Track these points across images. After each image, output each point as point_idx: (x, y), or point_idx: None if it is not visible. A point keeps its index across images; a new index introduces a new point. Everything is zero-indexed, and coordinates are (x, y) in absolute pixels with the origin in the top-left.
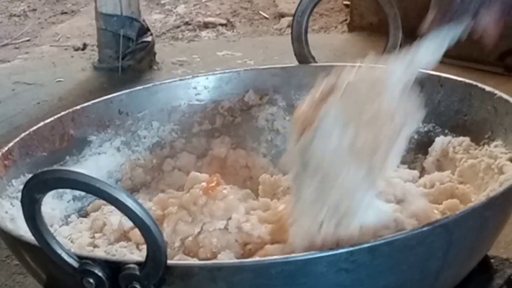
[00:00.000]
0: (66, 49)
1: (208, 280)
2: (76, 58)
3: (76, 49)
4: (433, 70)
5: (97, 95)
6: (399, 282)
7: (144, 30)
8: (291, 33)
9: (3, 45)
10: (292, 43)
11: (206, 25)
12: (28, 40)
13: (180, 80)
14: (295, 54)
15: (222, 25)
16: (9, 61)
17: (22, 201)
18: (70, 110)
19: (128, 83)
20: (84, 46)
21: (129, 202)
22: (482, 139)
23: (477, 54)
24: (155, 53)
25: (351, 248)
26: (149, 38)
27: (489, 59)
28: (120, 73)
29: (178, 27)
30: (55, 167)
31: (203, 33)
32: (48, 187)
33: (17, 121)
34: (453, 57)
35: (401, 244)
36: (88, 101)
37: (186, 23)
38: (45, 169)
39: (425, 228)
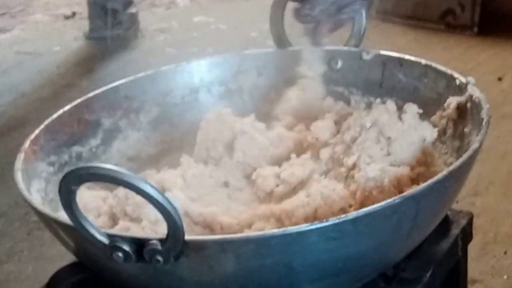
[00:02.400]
0: (57, 17)
1: (219, 251)
2: (68, 28)
3: (67, 17)
4: (382, 27)
5: (90, 63)
6: (377, 245)
7: (128, 2)
8: (270, 22)
9: (1, 15)
10: (271, 30)
11: None
12: (22, 10)
13: (176, 66)
14: (274, 40)
15: None
16: (8, 31)
17: (59, 192)
18: (84, 97)
19: (117, 51)
20: (73, 14)
21: (152, 191)
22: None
23: (422, 13)
24: (139, 22)
25: (337, 220)
26: (134, 10)
27: (432, 17)
28: (109, 42)
29: None
30: (74, 148)
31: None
32: (82, 180)
33: (22, 88)
34: (400, 16)
35: (378, 214)
36: (83, 68)
37: None
38: (80, 165)
39: (397, 200)
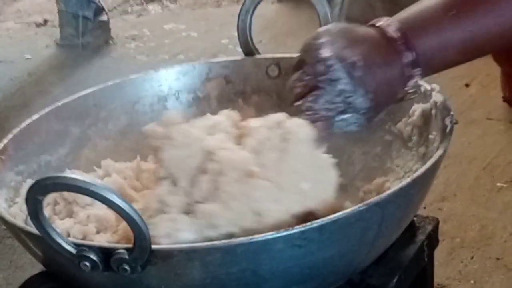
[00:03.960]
0: (28, 25)
1: (186, 260)
2: (39, 35)
3: (38, 25)
4: None
5: (62, 70)
6: (343, 252)
7: (99, 10)
8: (237, 30)
9: None
10: (238, 38)
11: None
12: None
13: (144, 74)
14: (241, 47)
15: None
16: None
17: (26, 202)
18: (53, 106)
19: (88, 58)
20: (45, 22)
21: (118, 201)
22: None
23: None
24: (110, 30)
25: (303, 228)
26: (105, 18)
27: None
28: (81, 49)
29: (127, 1)
30: (43, 157)
31: (150, 7)
32: (48, 190)
33: None
34: (367, 22)
35: (343, 221)
36: (55, 76)
37: None
38: (46, 175)
39: (362, 207)
